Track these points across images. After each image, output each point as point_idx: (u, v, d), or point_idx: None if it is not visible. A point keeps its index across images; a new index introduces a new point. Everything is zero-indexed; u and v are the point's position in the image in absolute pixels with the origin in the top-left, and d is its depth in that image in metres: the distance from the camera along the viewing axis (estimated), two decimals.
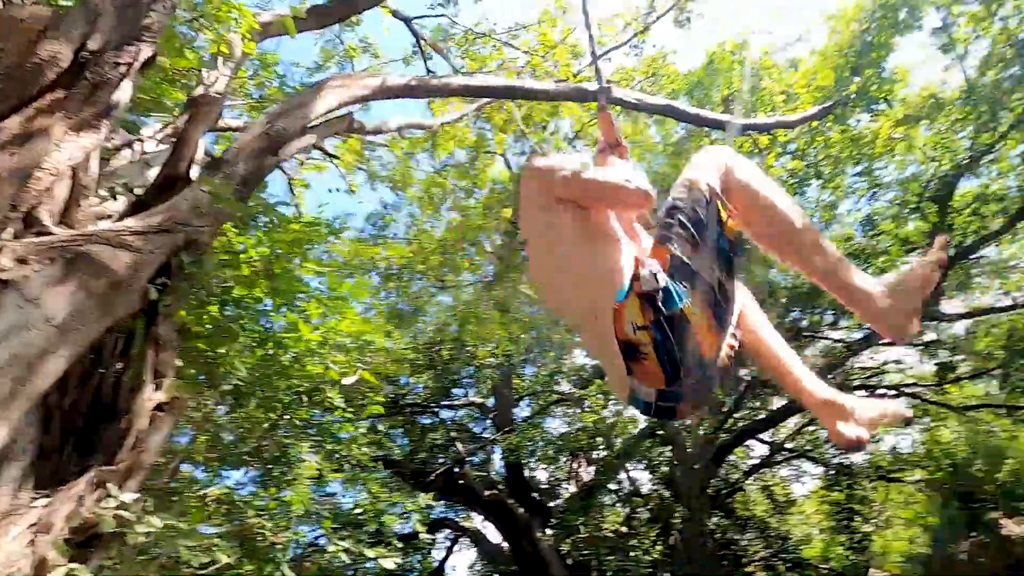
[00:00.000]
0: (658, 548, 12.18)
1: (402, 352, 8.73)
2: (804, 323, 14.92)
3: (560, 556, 11.45)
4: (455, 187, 12.87)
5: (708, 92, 10.14)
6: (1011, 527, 17.83)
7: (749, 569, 20.69)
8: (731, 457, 21.38)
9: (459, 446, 12.14)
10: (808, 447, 19.67)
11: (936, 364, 14.07)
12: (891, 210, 11.80)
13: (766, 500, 21.53)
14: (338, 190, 10.27)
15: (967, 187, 11.85)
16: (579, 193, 1.69)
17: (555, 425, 19.24)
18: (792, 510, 23.88)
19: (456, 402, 14.78)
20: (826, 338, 14.55)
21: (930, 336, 14.04)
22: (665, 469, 17.29)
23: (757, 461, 20.93)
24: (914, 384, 14.64)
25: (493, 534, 13.80)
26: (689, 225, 1.48)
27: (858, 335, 13.54)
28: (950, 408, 14.81)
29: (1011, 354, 12.59)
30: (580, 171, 1.69)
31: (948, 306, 13.81)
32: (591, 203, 1.70)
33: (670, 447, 14.97)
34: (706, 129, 9.28)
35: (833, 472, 19.13)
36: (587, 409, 11.86)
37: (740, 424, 17.01)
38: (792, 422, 20.40)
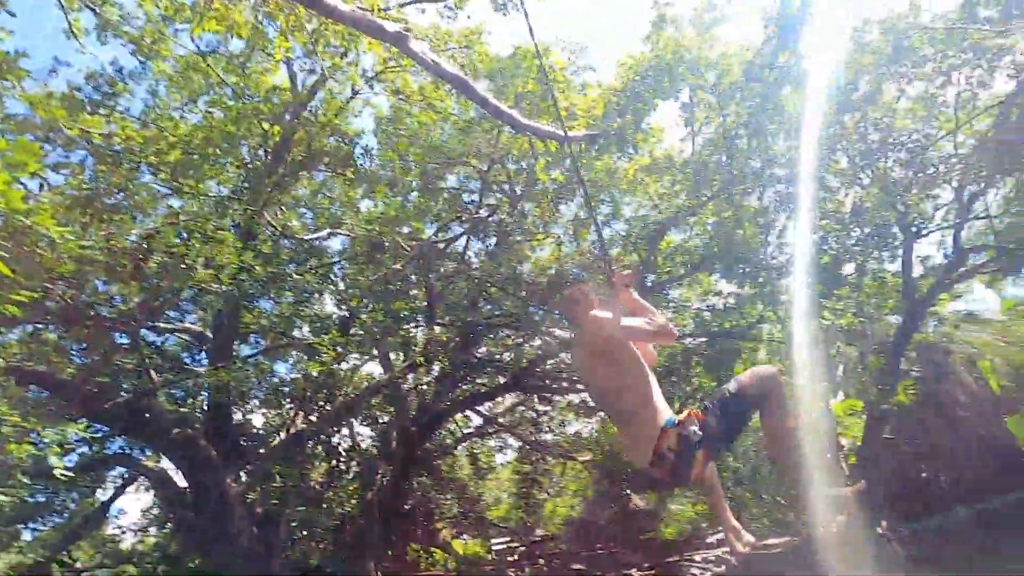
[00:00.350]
0: (353, 502, 12.46)
1: (90, 252, 7.12)
2: (536, 316, 16.85)
3: (248, 505, 10.84)
4: (223, 80, 11.03)
5: (506, 83, 10.69)
6: (636, 502, 23.06)
7: (439, 526, 22.79)
8: (451, 425, 23.23)
9: (152, 374, 10.51)
10: (515, 424, 22.41)
11: None
12: (618, 237, 14.13)
13: (470, 466, 23.94)
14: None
15: (672, 237, 14.94)
16: (635, 337, 2.94)
17: (283, 370, 18.23)
18: (491, 476, 27.08)
19: (165, 325, 12.78)
20: (548, 334, 16.64)
21: None
22: (384, 427, 17.82)
23: (471, 430, 23.06)
24: None
25: (181, 477, 12.39)
26: (724, 410, 2.53)
27: (565, 334, 15.91)
28: None
29: (661, 374, 16.27)
30: (646, 331, 2.86)
31: None
32: (651, 342, 3.15)
33: (393, 408, 15.43)
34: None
35: (528, 447, 22.12)
36: (318, 359, 11.39)
37: (463, 394, 18.44)
38: (509, 400, 23.12)
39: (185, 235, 8.88)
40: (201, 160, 9.76)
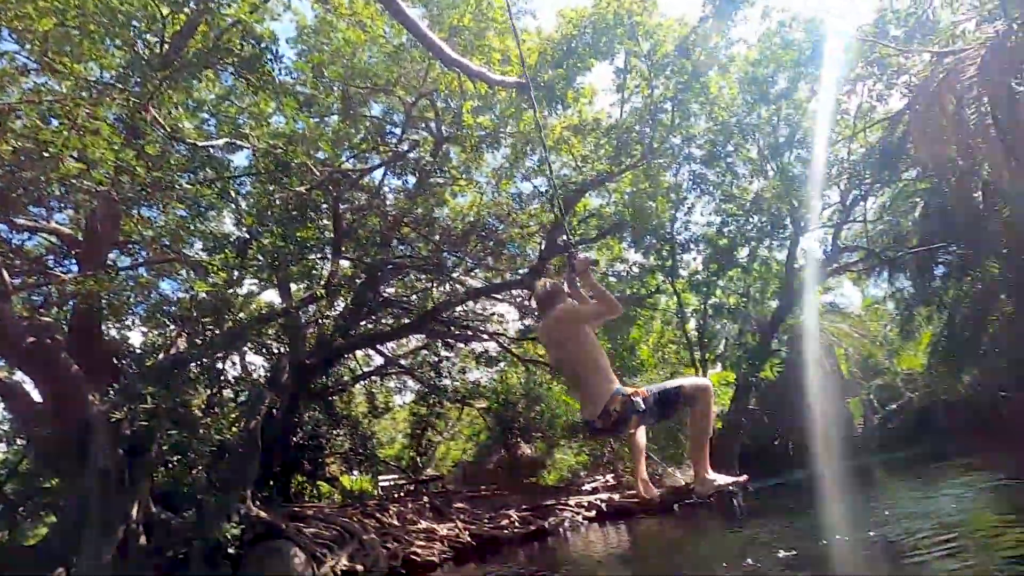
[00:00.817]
0: (234, 431, 12.02)
1: None
2: (450, 263, 16.75)
3: (114, 425, 10.10)
4: None
5: (441, 14, 10.10)
6: (525, 449, 24.19)
7: (329, 460, 22.75)
8: (351, 363, 22.92)
9: (5, 275, 9.31)
10: (416, 367, 22.52)
11: (522, 326, 17.76)
12: (538, 194, 14.23)
13: (367, 404, 23.89)
14: None
15: (589, 200, 15.28)
16: (596, 319, 3.57)
17: (169, 288, 16.90)
18: (386, 416, 27.25)
19: (25, 221, 11.32)
20: (459, 282, 16.66)
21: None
22: (278, 358, 17.20)
23: (371, 369, 22.90)
24: (502, 335, 18.16)
25: (37, 392, 11.26)
26: (663, 399, 3.18)
27: (476, 284, 16.05)
28: (519, 358, 18.97)
29: None
30: (599, 310, 3.46)
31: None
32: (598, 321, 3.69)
33: (288, 339, 14.88)
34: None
35: (427, 391, 22.39)
36: (208, 280, 10.62)
37: (365, 332, 18.14)
38: (413, 343, 23.12)
39: (52, 120, 7.77)
40: (80, 36, 8.46)
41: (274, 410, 14.20)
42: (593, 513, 15.75)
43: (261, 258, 12.04)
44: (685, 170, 14.65)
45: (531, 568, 9.80)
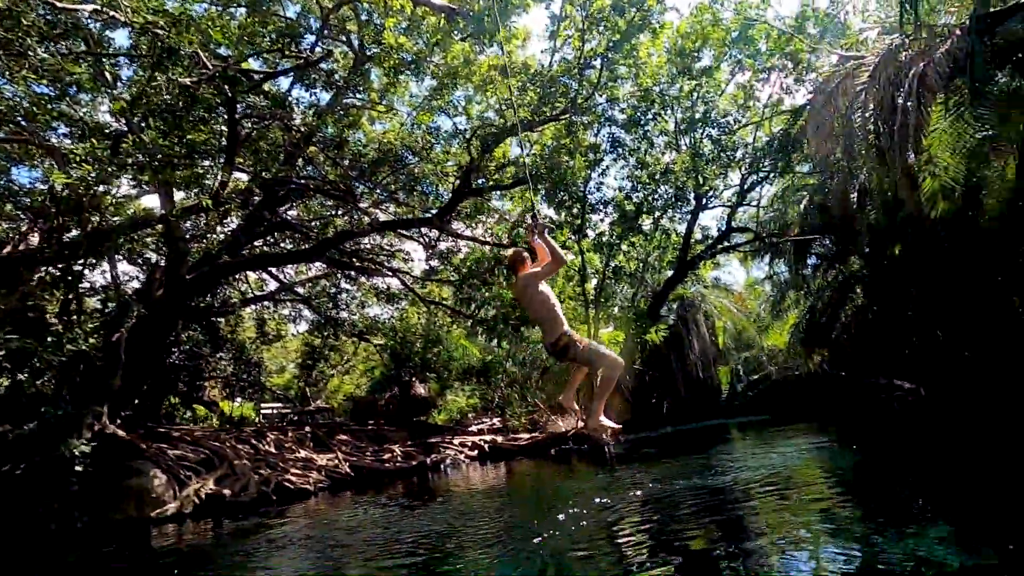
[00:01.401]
0: (92, 342, 10.94)
1: None
2: (358, 191, 15.97)
3: None
4: None
5: None
6: (418, 388, 24.39)
7: (209, 384, 21.61)
8: (242, 284, 21.54)
9: None
10: (314, 296, 21.65)
11: (427, 266, 17.53)
12: (458, 132, 13.79)
13: (256, 329, 22.75)
14: None
15: (508, 147, 15.08)
16: (549, 275, 4.80)
17: (25, 176, 14.77)
18: (277, 344, 26.18)
19: None
20: (366, 213, 15.98)
21: (444, 244, 17.51)
22: (154, 269, 15.76)
23: (264, 293, 21.70)
24: (407, 273, 17.86)
25: None
26: (591, 355, 4.38)
27: (385, 217, 15.53)
28: (421, 299, 18.81)
29: (466, 275, 16.97)
30: (549, 268, 4.72)
31: (457, 227, 17.35)
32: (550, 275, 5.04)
33: (168, 250, 13.61)
34: None
35: (323, 322, 21.68)
36: (68, 172, 9.32)
37: (260, 254, 17.04)
38: (312, 272, 22.11)
39: None
40: None
41: (147, 326, 13.09)
42: (476, 453, 16.36)
43: (141, 156, 10.78)
44: (605, 132, 14.81)
45: (406, 498, 10.05)
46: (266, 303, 22.48)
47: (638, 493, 7.56)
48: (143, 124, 10.23)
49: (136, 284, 17.11)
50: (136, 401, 15.05)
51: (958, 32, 8.66)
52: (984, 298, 18.03)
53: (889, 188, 12.30)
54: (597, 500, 7.46)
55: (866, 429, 13.47)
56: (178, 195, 14.77)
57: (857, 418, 16.74)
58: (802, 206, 19.97)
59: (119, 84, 12.15)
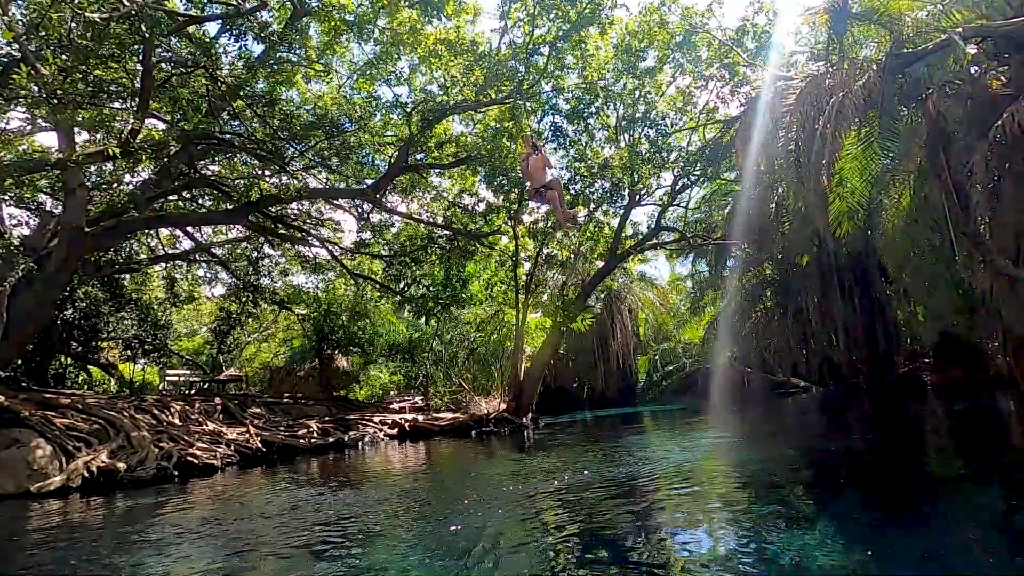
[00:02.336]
0: None
1: None
2: (291, 152, 15.14)
3: None
4: None
5: None
6: (340, 362, 23.80)
7: (107, 345, 19.98)
8: (151, 240, 19.94)
9: None
10: (233, 259, 20.44)
11: (358, 238, 17.00)
12: (399, 105, 13.34)
13: (167, 290, 21.22)
14: None
15: (450, 125, 14.82)
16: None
17: None
18: (188, 307, 24.58)
19: None
20: (295, 177, 15.20)
21: (377, 217, 17.00)
22: (47, 216, 14.27)
23: (177, 251, 20.25)
24: (336, 244, 17.24)
25: None
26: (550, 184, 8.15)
27: (315, 184, 14.87)
28: (349, 271, 18.24)
29: (398, 251, 16.68)
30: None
31: (391, 201, 16.91)
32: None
33: (65, 197, 12.32)
34: None
35: (241, 287, 20.54)
36: None
37: (173, 210, 15.81)
38: (233, 234, 20.81)
39: None
40: None
41: (35, 279, 11.85)
42: (396, 431, 16.25)
43: (38, 90, 9.67)
44: (548, 120, 14.84)
45: (319, 478, 9.84)
46: (178, 262, 20.99)
47: (553, 482, 7.82)
48: (41, 54, 9.17)
49: (25, 231, 15.45)
50: (19, 362, 13.70)
51: (874, 67, 9.37)
52: (872, 310, 19.93)
53: (803, 204, 13.21)
54: (511, 488, 7.66)
55: (763, 424, 14.64)
56: (81, 137, 13.39)
57: (757, 413, 18.15)
58: (726, 211, 21.12)
59: (13, 6, 10.77)
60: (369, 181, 14.95)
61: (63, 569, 4.92)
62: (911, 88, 9.40)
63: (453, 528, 5.62)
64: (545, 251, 18.53)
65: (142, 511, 7.32)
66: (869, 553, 4.15)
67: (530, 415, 18.23)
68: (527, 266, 18.95)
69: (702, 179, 17.24)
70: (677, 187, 17.62)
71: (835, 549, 4.25)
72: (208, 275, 22.94)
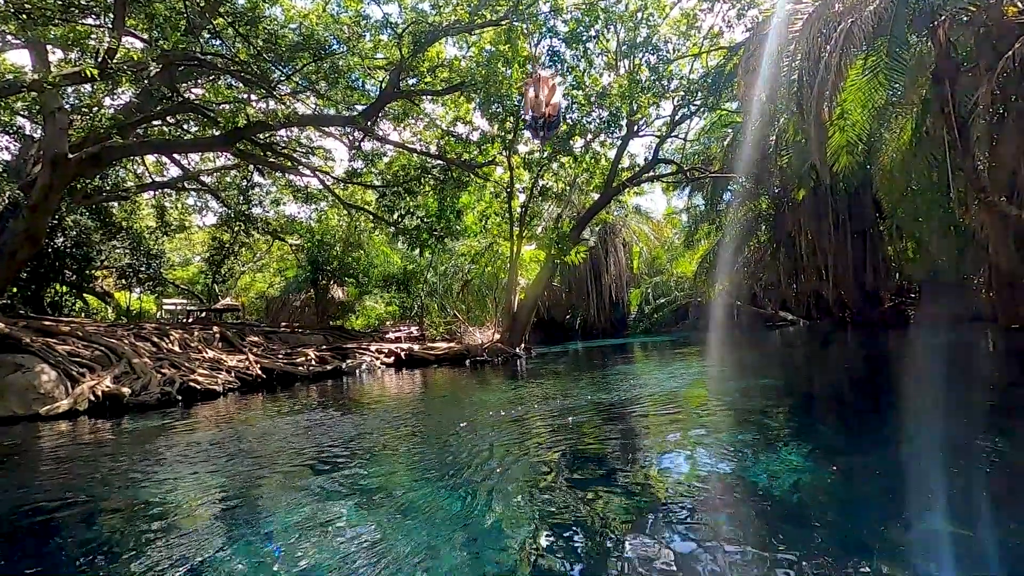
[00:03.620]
0: None
1: None
2: (277, 75, 14.53)
3: None
4: None
5: None
6: (336, 291, 23.99)
7: (100, 273, 19.98)
8: (138, 167, 19.45)
9: None
10: (223, 188, 20.07)
11: (350, 167, 16.66)
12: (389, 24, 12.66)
13: (157, 219, 20.99)
14: None
15: (443, 48, 14.13)
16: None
17: None
18: (181, 236, 24.40)
19: None
20: (283, 102, 14.66)
21: (368, 146, 16.55)
22: (28, 141, 13.88)
23: (165, 179, 19.86)
24: (327, 173, 16.90)
25: None
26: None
27: (304, 109, 14.38)
28: (341, 201, 18.03)
29: (391, 181, 16.40)
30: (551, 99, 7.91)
31: (383, 129, 16.44)
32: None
33: (44, 120, 11.91)
34: None
35: (233, 217, 20.31)
36: None
37: (158, 135, 15.33)
38: (221, 161, 20.31)
39: None
40: None
41: (19, 204, 11.67)
42: (392, 360, 16.69)
43: (5, 5, 9.18)
44: (545, 44, 14.18)
45: (320, 402, 10.22)
46: (167, 191, 20.63)
47: (545, 406, 8.18)
48: None
49: (7, 157, 15.08)
50: (15, 290, 13.77)
51: None
52: (864, 247, 20.06)
53: (803, 138, 12.97)
54: (505, 411, 8.02)
55: (750, 355, 15.13)
56: (55, 57, 12.76)
57: (745, 344, 18.68)
58: (725, 143, 20.69)
59: None
60: (360, 107, 14.46)
61: (89, 484, 5.22)
62: (923, 15, 9.00)
63: (450, 448, 5.95)
64: (540, 183, 18.26)
65: (152, 431, 7.66)
66: (834, 469, 4.48)
67: (523, 345, 18.71)
68: (522, 198, 18.76)
69: (703, 109, 16.74)
70: (676, 117, 17.15)
71: (805, 469, 4.56)
72: (198, 204, 22.64)
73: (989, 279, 14.72)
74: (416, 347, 17.75)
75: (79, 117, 14.34)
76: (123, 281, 20.49)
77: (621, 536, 3.44)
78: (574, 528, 3.59)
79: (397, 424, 7.67)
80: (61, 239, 16.14)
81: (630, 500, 4.09)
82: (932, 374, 9.11)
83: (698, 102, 16.03)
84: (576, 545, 3.35)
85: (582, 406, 8.04)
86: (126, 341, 11.29)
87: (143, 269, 19.23)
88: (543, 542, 3.42)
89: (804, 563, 2.90)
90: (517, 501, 4.23)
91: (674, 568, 2.94)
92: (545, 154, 16.54)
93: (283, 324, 19.15)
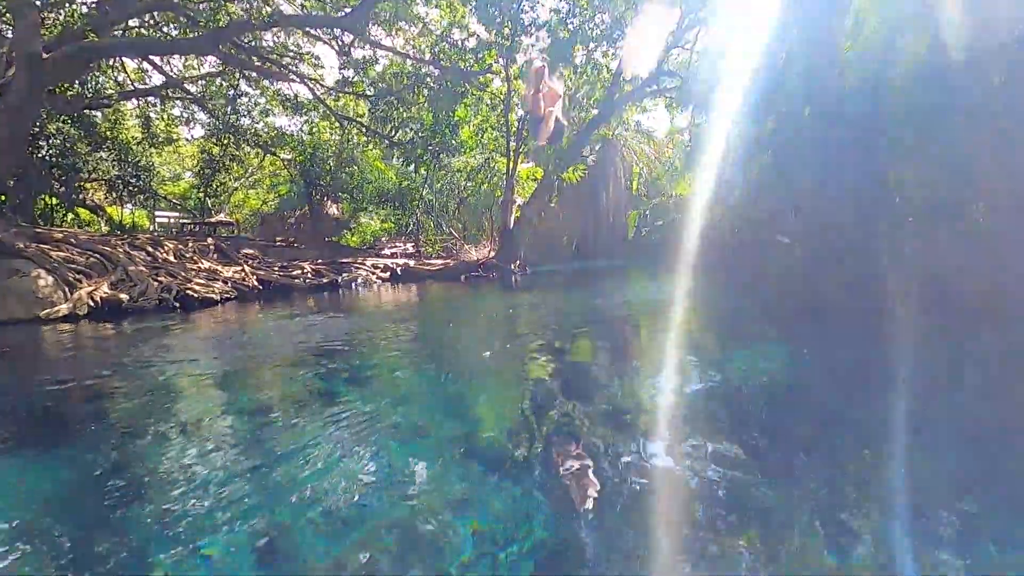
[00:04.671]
0: None
1: None
2: None
3: None
4: None
5: None
6: (331, 208, 23.78)
7: (90, 186, 19.63)
8: (121, 75, 18.58)
9: None
10: (208, 96, 19.29)
11: (341, 75, 15.94)
12: None
13: (141, 129, 20.34)
14: None
15: None
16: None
17: None
18: (169, 149, 23.74)
19: None
20: (265, 1, 13.79)
21: (360, 53, 15.74)
22: None
23: (147, 87, 19.04)
24: (317, 81, 16.22)
25: None
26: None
27: (287, 8, 13.56)
28: (333, 112, 17.41)
29: (384, 90, 15.76)
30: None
31: (376, 35, 15.58)
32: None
33: (13, 21, 11.22)
34: None
35: (221, 128, 19.68)
36: None
37: (136, 37, 14.53)
38: (206, 68, 19.37)
39: None
40: None
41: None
42: (387, 275, 16.81)
43: None
44: None
45: (318, 310, 10.41)
46: (151, 99, 19.84)
47: (535, 312, 8.39)
48: None
49: None
50: (3, 198, 13.58)
51: None
52: (865, 172, 19.68)
53: (812, 51, 12.33)
54: (497, 315, 8.21)
55: (737, 275, 15.29)
56: None
57: (735, 265, 18.83)
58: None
59: None
60: (349, 8, 13.62)
61: (103, 368, 5.42)
62: None
63: (441, 341, 6.16)
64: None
65: (157, 330, 7.87)
66: (803, 359, 4.69)
67: (518, 263, 18.81)
68: (520, 111, 18.15)
69: (711, 15, 15.79)
70: (684, 25, 16.24)
71: (770, 360, 4.77)
72: (184, 115, 21.84)
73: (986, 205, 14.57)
74: (412, 263, 17.84)
75: (51, 15, 13.52)
76: (113, 194, 20.19)
77: (589, 397, 3.65)
78: (556, 399, 3.81)
79: (393, 322, 7.91)
80: (45, 148, 15.73)
81: (604, 373, 4.32)
82: (902, 295, 9.26)
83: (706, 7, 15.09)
84: (554, 411, 3.57)
85: (572, 311, 8.24)
86: (120, 249, 11.31)
87: (133, 182, 18.89)
88: (528, 410, 3.63)
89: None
90: (502, 378, 4.45)
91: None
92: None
93: (278, 239, 19.10)
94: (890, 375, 4.32)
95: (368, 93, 16.55)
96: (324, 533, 2.24)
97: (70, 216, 18.69)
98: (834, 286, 10.62)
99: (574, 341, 6.25)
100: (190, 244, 13.87)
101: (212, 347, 6.47)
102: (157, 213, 21.26)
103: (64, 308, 9.10)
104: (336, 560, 2.07)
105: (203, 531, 2.26)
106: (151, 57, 16.39)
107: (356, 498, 2.51)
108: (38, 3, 12.43)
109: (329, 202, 22.75)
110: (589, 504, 2.41)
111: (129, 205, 23.01)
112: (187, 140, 24.32)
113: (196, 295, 10.94)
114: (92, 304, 9.44)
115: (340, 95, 17.44)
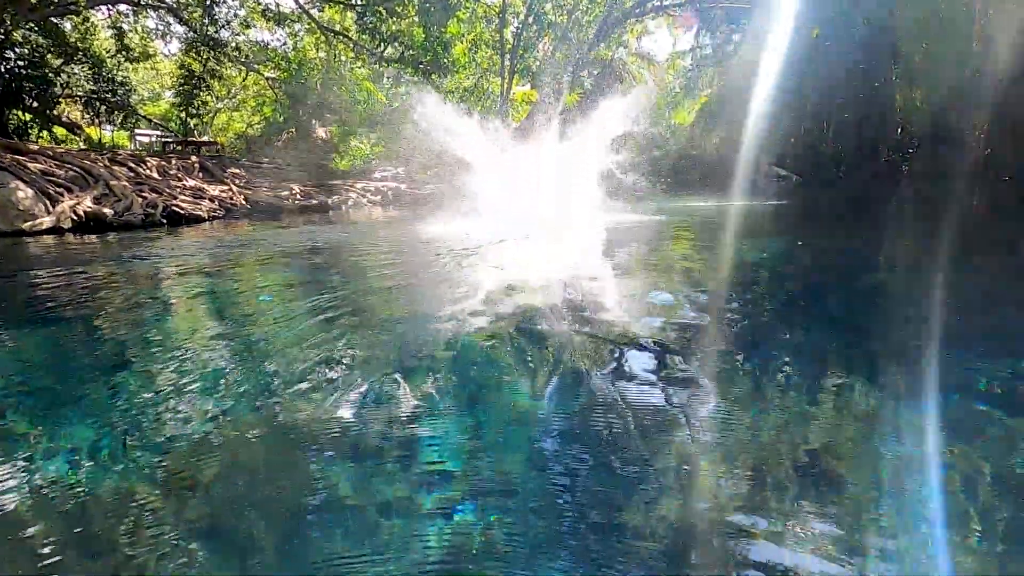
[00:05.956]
0: None
1: None
2: None
3: None
4: None
5: None
6: (319, 131, 23.04)
7: (65, 102, 18.76)
8: None
9: None
10: (182, 7, 18.08)
11: None
12: None
13: (113, 41, 19.19)
14: None
15: None
16: None
17: None
18: (146, 65, 22.54)
19: None
20: None
21: None
22: None
23: None
24: None
25: None
26: None
27: None
28: (317, 23, 16.46)
29: (371, 5, 14.84)
30: None
31: None
32: None
33: None
34: None
35: (199, 43, 18.59)
36: None
37: None
38: None
39: None
40: None
41: None
42: (378, 198, 16.54)
43: None
44: None
45: (309, 224, 10.27)
46: (122, 8, 18.58)
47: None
48: None
49: None
50: None
51: None
52: (872, 96, 19.14)
53: None
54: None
55: (724, 200, 15.20)
56: None
57: (726, 194, 18.66)
58: None
59: None
60: None
61: (96, 272, 5.36)
62: None
63: (429, 247, 6.16)
64: (535, 10, 16.66)
65: (145, 241, 7.78)
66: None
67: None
68: (515, 25, 17.24)
69: None
70: None
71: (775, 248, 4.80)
72: (160, 27, 20.58)
73: (989, 130, 14.33)
74: (403, 186, 17.53)
75: None
76: (91, 112, 19.37)
77: (580, 309, 3.69)
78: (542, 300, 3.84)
79: (383, 232, 7.91)
80: (14, 59, 14.88)
81: (593, 282, 4.36)
82: (896, 227, 9.27)
83: None
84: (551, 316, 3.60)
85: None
86: (101, 164, 10.97)
87: (109, 98, 18.06)
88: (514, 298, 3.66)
89: None
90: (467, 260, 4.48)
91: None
92: None
93: (264, 160, 18.58)
94: (864, 256, 4.38)
95: (354, 2, 15.60)
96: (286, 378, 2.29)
97: (45, 134, 18.00)
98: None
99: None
100: (174, 162, 13.49)
101: (203, 249, 6.45)
102: (138, 132, 20.51)
103: (47, 221, 8.92)
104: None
105: (182, 389, 2.30)
106: None
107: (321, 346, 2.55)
108: None
109: (317, 125, 22.00)
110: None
111: (108, 126, 22.14)
112: (164, 55, 23.10)
113: (183, 211, 10.74)
114: (76, 218, 9.25)
115: (325, 5, 16.43)
